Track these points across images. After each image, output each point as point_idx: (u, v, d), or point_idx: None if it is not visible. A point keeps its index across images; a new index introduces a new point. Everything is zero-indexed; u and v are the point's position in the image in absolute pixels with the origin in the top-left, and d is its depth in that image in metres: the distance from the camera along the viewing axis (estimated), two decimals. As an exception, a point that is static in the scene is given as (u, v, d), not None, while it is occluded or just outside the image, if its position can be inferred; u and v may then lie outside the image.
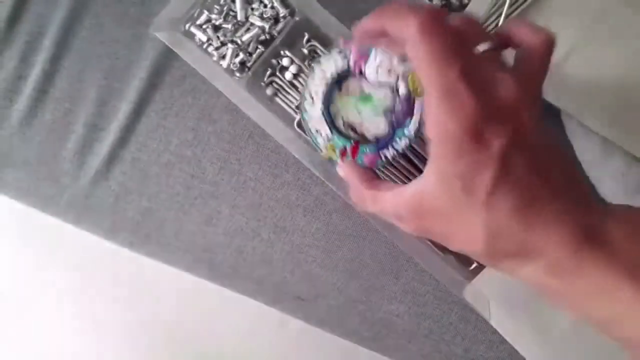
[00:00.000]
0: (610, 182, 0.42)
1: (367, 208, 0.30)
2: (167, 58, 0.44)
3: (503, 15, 0.39)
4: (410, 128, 0.30)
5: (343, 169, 0.31)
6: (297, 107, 0.42)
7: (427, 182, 0.25)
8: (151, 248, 0.47)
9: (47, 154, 0.46)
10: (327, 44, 0.42)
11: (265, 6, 0.42)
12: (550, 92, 0.39)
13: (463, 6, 0.41)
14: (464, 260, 0.41)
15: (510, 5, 0.39)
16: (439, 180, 0.24)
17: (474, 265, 0.41)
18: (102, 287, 0.98)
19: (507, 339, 0.42)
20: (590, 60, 0.39)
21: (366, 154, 0.31)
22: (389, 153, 0.31)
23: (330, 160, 0.36)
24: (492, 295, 0.40)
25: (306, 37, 0.42)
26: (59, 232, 0.96)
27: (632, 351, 0.24)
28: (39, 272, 0.99)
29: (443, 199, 0.24)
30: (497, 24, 0.40)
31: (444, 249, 0.41)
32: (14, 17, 0.45)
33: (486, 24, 0.40)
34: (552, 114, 0.42)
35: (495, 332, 0.42)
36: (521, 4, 0.40)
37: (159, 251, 0.47)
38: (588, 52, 0.39)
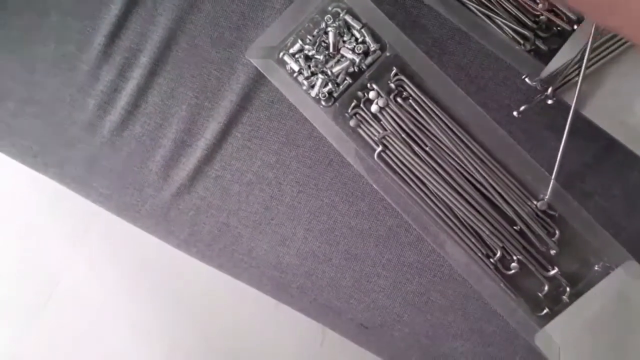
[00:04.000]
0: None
1: None
2: (257, 82, 0.46)
3: (583, 68, 0.39)
4: None
5: None
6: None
7: None
8: (222, 261, 0.49)
9: (134, 164, 0.49)
10: (415, 79, 0.43)
11: (357, 40, 0.44)
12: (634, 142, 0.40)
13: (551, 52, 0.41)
14: (535, 305, 0.42)
15: (589, 60, 0.39)
16: None
17: (545, 311, 0.41)
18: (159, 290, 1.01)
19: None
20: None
21: None
22: None
23: None
24: (563, 342, 0.40)
25: (394, 71, 0.44)
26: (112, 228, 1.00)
27: None
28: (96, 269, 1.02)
29: None
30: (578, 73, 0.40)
31: (516, 294, 0.41)
32: (115, 34, 0.48)
33: (566, 77, 0.40)
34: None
35: (561, 380, 0.41)
36: (600, 59, 0.40)
37: (230, 265, 0.49)
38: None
